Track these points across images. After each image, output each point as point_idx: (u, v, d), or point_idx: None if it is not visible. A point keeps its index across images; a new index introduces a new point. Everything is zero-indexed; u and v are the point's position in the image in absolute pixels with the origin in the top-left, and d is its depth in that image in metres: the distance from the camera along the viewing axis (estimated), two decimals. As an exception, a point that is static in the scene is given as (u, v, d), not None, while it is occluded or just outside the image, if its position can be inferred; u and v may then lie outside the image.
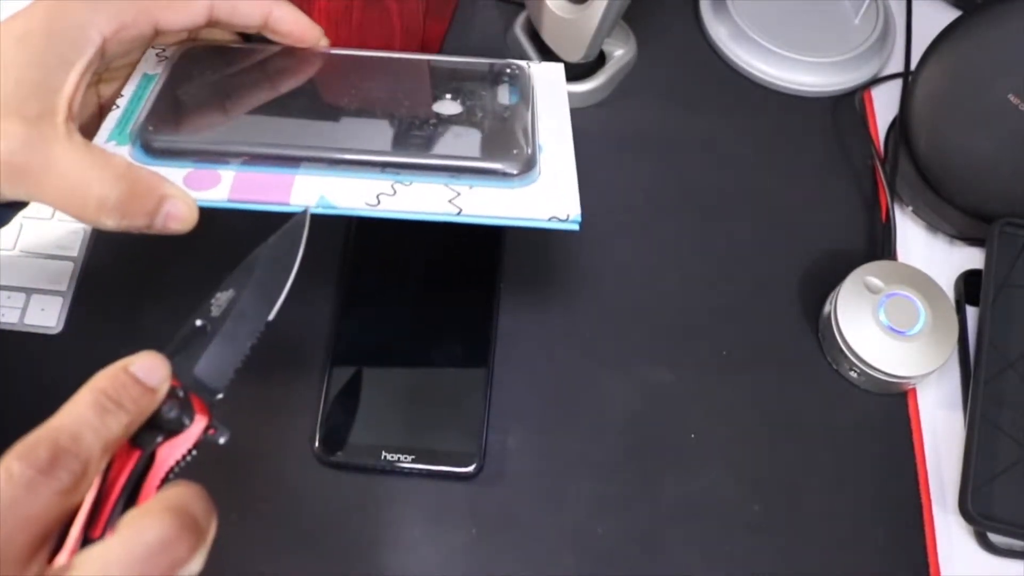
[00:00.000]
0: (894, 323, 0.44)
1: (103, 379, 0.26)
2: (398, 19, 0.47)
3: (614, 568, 0.40)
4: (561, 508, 0.41)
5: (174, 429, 0.28)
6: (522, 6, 0.54)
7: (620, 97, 0.54)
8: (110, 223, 0.33)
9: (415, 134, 0.38)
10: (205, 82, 0.39)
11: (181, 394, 0.28)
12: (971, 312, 0.47)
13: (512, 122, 0.39)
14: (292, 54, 0.40)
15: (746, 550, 0.41)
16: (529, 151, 0.37)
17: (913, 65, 0.51)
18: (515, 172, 0.37)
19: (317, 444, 0.41)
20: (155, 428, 0.27)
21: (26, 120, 0.32)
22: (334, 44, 0.46)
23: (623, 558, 0.41)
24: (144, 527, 0.24)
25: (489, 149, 0.37)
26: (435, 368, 0.44)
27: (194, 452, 0.28)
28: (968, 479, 0.41)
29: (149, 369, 0.27)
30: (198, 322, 0.31)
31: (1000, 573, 0.41)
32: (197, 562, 0.25)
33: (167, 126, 0.36)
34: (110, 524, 0.25)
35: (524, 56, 0.53)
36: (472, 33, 0.56)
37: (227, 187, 0.35)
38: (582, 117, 0.53)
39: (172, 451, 0.28)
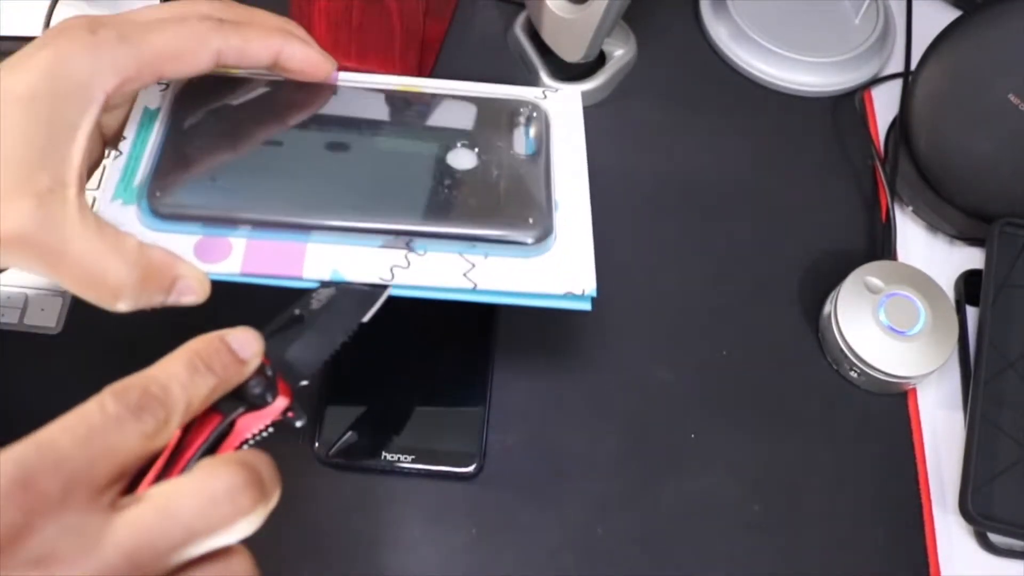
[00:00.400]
0: (894, 323, 0.44)
1: (199, 342, 0.28)
2: (398, 19, 0.47)
3: (614, 568, 0.40)
4: (561, 508, 0.41)
5: (256, 404, 0.29)
6: (522, 6, 0.54)
7: (620, 97, 0.54)
8: (124, 307, 0.33)
9: (430, 196, 0.36)
10: (210, 126, 0.37)
11: (269, 372, 0.30)
12: (971, 312, 0.47)
13: (529, 181, 0.38)
14: (299, 87, 0.39)
15: (746, 550, 0.41)
16: (546, 217, 0.37)
17: (913, 65, 0.51)
18: (531, 241, 0.36)
19: (317, 444, 0.41)
20: (239, 399, 0.29)
21: (38, 196, 0.31)
22: (335, 46, 0.46)
23: (623, 558, 0.41)
24: (216, 472, 0.25)
25: (505, 215, 0.36)
26: (435, 368, 0.44)
27: (271, 429, 0.30)
28: (968, 479, 0.41)
29: (243, 342, 0.29)
30: (297, 311, 0.32)
31: (1000, 573, 0.41)
32: (255, 519, 0.26)
33: (175, 188, 0.35)
34: (184, 473, 0.27)
35: (524, 57, 0.53)
36: (472, 33, 0.56)
37: (239, 260, 0.35)
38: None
39: (251, 423, 0.29)
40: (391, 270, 0.35)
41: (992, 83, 0.46)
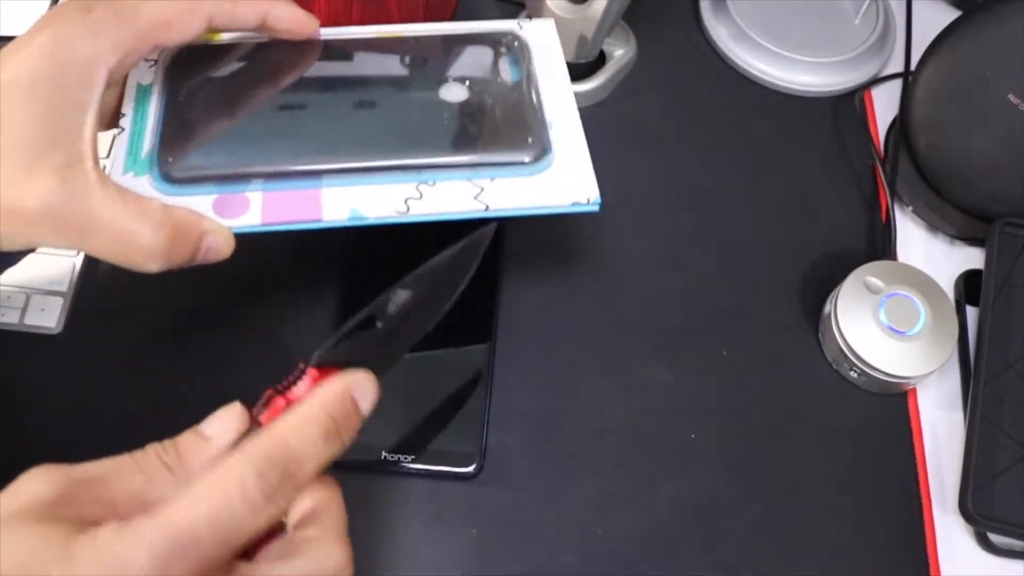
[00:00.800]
0: (894, 323, 0.44)
1: (334, 402, 0.29)
2: (398, 18, 0.47)
3: (614, 568, 0.40)
4: (561, 508, 0.41)
5: None
6: (522, 6, 0.54)
7: (620, 97, 0.54)
8: (155, 268, 0.33)
9: (431, 130, 0.38)
10: (207, 92, 0.38)
11: None
12: (971, 312, 0.47)
13: (519, 104, 0.40)
14: (286, 46, 0.40)
15: (746, 550, 0.41)
16: (541, 136, 0.39)
17: (913, 65, 0.51)
18: (530, 160, 0.38)
19: (317, 444, 0.41)
20: None
21: (57, 172, 0.32)
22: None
23: (623, 558, 0.41)
24: (329, 553, 0.27)
25: (503, 138, 0.38)
26: (435, 368, 0.44)
27: None
28: (968, 479, 0.41)
29: (366, 396, 0.30)
30: (371, 315, 0.32)
31: (1000, 573, 0.41)
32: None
33: (184, 153, 0.36)
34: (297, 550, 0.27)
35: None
36: (472, 33, 0.56)
37: (258, 211, 0.35)
38: (582, 117, 0.53)
39: None
40: (406, 203, 0.37)
41: (992, 83, 0.46)
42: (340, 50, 0.41)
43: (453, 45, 0.42)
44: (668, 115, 0.54)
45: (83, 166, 0.32)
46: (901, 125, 0.51)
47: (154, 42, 0.35)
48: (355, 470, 0.41)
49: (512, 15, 0.55)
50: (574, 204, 0.38)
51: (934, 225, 0.50)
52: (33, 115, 0.32)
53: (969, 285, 0.48)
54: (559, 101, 0.41)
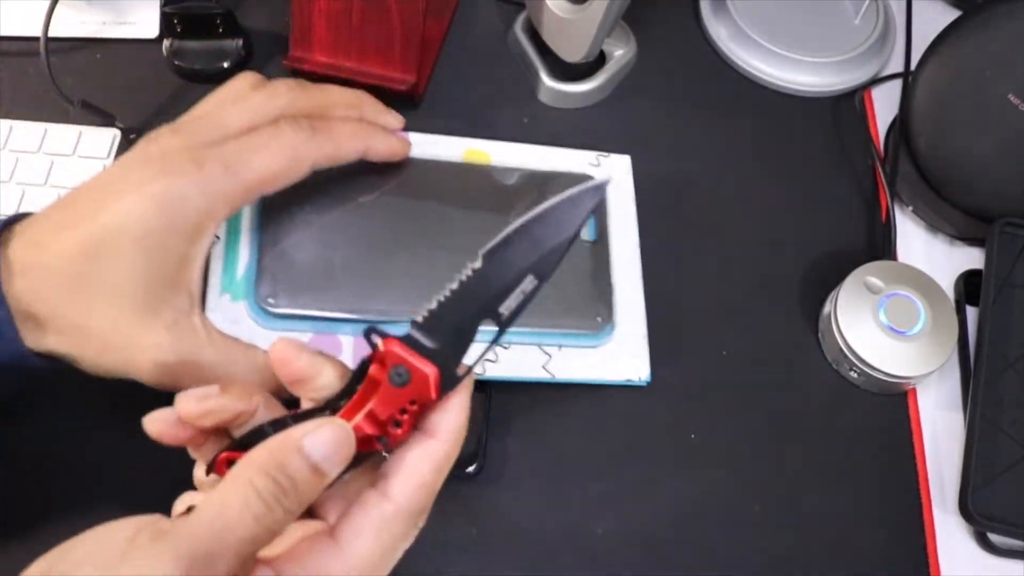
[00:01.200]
0: (894, 323, 0.44)
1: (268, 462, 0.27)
2: (398, 19, 0.47)
3: (614, 568, 0.40)
4: (561, 508, 0.41)
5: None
6: (522, 6, 0.54)
7: (620, 97, 0.54)
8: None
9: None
10: (299, 219, 0.40)
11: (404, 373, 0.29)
12: (971, 312, 0.47)
13: (593, 271, 0.43)
14: (374, 168, 0.41)
15: (746, 550, 0.41)
16: (608, 309, 0.42)
17: (913, 65, 0.52)
18: (596, 333, 0.42)
19: (317, 444, 0.41)
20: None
21: (168, 328, 0.33)
22: (335, 46, 0.45)
23: (623, 558, 0.41)
24: None
25: (574, 310, 0.42)
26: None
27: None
28: (968, 479, 0.41)
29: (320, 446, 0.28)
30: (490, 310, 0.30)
31: (1000, 573, 0.41)
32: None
33: (280, 290, 0.38)
34: None
35: (524, 57, 0.53)
36: (472, 33, 0.56)
37: (350, 356, 0.38)
38: (582, 117, 0.53)
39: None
40: (483, 366, 0.39)
41: (992, 83, 0.46)
42: (426, 175, 0.43)
43: (535, 185, 0.44)
44: (668, 115, 0.54)
45: (191, 320, 0.34)
46: (901, 125, 0.51)
47: (260, 193, 0.36)
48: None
49: (512, 15, 0.55)
50: (627, 380, 0.42)
51: (934, 225, 0.50)
52: (142, 268, 0.33)
53: (969, 285, 0.48)
54: (627, 260, 0.45)
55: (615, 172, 0.47)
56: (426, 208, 0.42)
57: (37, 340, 0.32)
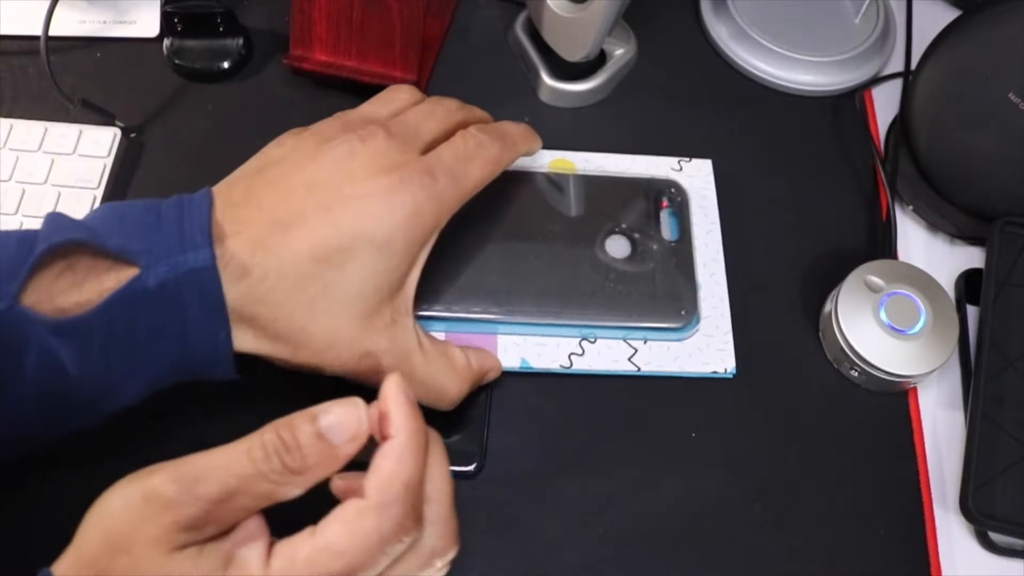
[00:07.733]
0: (895, 322, 0.44)
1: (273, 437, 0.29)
2: (398, 18, 0.47)
3: (614, 568, 0.40)
4: (561, 508, 0.41)
5: None
6: (523, 5, 0.54)
7: (620, 97, 0.54)
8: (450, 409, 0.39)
9: (597, 289, 0.43)
10: None
11: None
12: (972, 311, 0.47)
13: (677, 267, 0.45)
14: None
15: (747, 550, 0.41)
16: (693, 303, 0.44)
17: (913, 65, 0.52)
18: (682, 326, 0.44)
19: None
20: None
21: (386, 330, 0.35)
22: (335, 45, 0.46)
23: (623, 558, 0.41)
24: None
25: (659, 304, 0.44)
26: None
27: None
28: (969, 478, 0.41)
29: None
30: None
31: (1001, 572, 0.41)
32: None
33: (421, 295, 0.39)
34: None
35: (524, 57, 0.53)
36: (472, 33, 0.56)
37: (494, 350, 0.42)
38: (582, 117, 0.53)
39: None
40: (569, 358, 0.43)
41: (992, 83, 0.46)
42: (524, 185, 0.46)
43: (620, 189, 0.47)
44: (668, 115, 0.54)
45: (406, 322, 0.36)
46: (901, 124, 0.51)
47: (470, 196, 0.38)
48: (356, 470, 0.41)
49: (512, 15, 0.55)
50: (713, 372, 0.44)
51: (934, 224, 0.50)
52: (380, 274, 0.34)
53: (969, 284, 0.48)
54: (711, 258, 0.47)
55: (696, 175, 0.49)
56: (532, 216, 0.45)
57: (241, 341, 0.33)
